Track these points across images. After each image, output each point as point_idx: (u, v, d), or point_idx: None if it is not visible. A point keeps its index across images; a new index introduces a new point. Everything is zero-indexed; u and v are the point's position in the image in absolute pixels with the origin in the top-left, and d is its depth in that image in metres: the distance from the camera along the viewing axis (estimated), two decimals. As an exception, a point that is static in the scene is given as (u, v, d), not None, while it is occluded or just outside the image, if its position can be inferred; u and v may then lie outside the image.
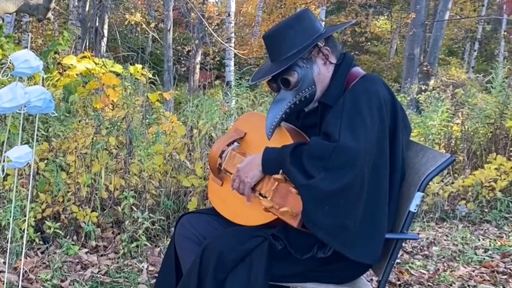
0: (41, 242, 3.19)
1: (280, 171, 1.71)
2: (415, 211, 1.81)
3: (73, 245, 3.14)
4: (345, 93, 1.79)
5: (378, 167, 1.68)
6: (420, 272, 3.20)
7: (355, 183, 1.61)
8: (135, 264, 3.09)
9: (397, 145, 1.76)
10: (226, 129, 3.91)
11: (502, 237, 3.92)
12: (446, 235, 3.89)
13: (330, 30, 1.89)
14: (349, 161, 1.61)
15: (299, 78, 1.82)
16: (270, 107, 1.86)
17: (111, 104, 4.46)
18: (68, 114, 4.24)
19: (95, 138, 3.47)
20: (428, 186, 4.21)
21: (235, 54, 10.77)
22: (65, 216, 3.29)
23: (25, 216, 2.78)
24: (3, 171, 1.92)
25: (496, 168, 4.40)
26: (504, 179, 4.36)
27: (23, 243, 2.57)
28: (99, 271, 2.97)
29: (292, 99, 1.84)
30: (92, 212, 3.30)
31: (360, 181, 1.62)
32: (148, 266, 3.06)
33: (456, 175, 4.71)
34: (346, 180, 1.60)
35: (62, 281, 2.82)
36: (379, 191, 1.70)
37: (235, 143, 2.01)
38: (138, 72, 5.02)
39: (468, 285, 3.02)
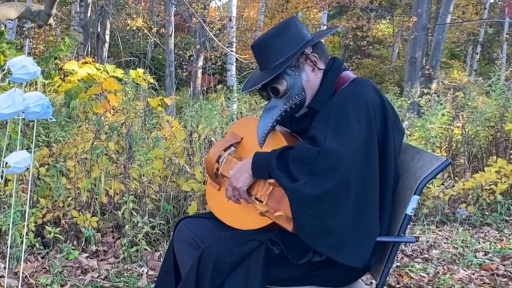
0: (41, 247, 3.20)
1: None
2: (412, 214, 1.82)
3: (73, 249, 3.16)
4: (333, 97, 1.80)
5: (365, 171, 1.68)
6: (420, 275, 3.20)
7: (338, 188, 1.62)
8: (135, 268, 3.10)
9: (388, 148, 1.76)
10: (226, 133, 3.92)
11: (503, 240, 3.91)
12: (447, 238, 3.89)
13: (317, 37, 1.89)
14: (333, 166, 1.62)
15: (288, 86, 1.83)
16: (261, 115, 1.87)
17: (112, 109, 4.48)
18: (69, 120, 4.26)
19: (94, 143, 3.48)
20: (428, 189, 4.23)
21: (237, 58, 10.80)
22: (65, 221, 3.31)
23: (25, 221, 2.79)
24: (2, 176, 1.94)
25: (496, 171, 4.39)
26: (504, 182, 4.36)
27: (23, 248, 2.58)
28: (99, 276, 2.98)
29: (282, 106, 1.85)
30: (92, 216, 3.31)
31: (344, 185, 1.63)
32: (148, 270, 3.07)
33: (457, 178, 4.71)
34: (329, 185, 1.61)
35: (62, 285, 2.84)
36: (367, 194, 1.70)
37: (232, 148, 2.02)
38: (139, 77, 5.04)
39: (468, 288, 3.02)
